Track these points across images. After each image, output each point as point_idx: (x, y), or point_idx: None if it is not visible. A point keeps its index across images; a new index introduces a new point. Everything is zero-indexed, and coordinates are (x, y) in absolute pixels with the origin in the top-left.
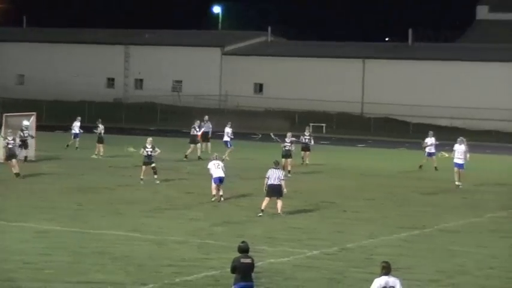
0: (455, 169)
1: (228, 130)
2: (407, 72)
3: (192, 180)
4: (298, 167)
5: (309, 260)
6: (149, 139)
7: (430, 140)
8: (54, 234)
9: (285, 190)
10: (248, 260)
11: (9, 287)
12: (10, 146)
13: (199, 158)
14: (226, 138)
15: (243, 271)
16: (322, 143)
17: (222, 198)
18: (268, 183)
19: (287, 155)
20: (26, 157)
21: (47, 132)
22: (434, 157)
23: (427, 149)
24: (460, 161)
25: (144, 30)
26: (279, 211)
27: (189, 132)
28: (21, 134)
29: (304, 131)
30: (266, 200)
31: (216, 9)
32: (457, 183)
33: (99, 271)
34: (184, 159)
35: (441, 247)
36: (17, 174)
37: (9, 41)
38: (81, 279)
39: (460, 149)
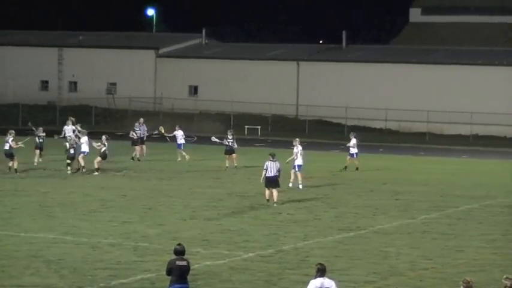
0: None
1: (181, 133)
2: (342, 74)
3: (127, 182)
4: (226, 169)
5: (245, 262)
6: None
7: (353, 141)
8: None
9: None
10: (184, 263)
11: None
12: None
13: (132, 159)
14: (182, 140)
15: (179, 273)
16: (257, 146)
17: (83, 169)
18: (267, 175)
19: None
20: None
21: None
22: (355, 157)
23: (350, 150)
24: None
25: (78, 32)
26: (275, 200)
27: (127, 135)
28: None
29: (227, 134)
30: (267, 190)
31: (150, 11)
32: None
33: (33, 274)
34: (132, 160)
35: (375, 248)
36: None
37: None
38: (15, 283)
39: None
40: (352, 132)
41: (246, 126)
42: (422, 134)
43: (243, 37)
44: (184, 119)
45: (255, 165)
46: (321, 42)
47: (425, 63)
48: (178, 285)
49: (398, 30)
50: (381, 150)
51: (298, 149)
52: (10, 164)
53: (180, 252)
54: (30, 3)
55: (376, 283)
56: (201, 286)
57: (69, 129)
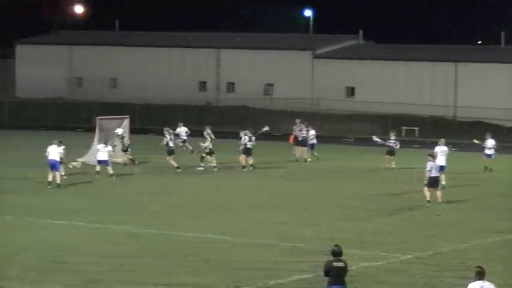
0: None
1: (313, 132)
2: (501, 76)
3: (283, 183)
4: (385, 170)
5: (402, 264)
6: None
7: (491, 142)
8: (144, 237)
9: (443, 182)
10: (341, 264)
11: None
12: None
13: (296, 160)
14: (314, 140)
15: (336, 274)
16: (415, 147)
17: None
18: (431, 175)
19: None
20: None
21: (140, 135)
22: (490, 158)
23: (486, 151)
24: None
25: (235, 34)
26: (439, 200)
27: (289, 135)
28: (122, 141)
29: (389, 135)
30: (428, 190)
31: (307, 12)
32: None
33: (192, 273)
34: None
35: None
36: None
37: (102, 45)
38: (172, 282)
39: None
40: (488, 133)
41: (404, 128)
42: None
43: (398, 38)
44: (341, 120)
45: (412, 167)
46: (479, 42)
47: None
48: (336, 287)
49: None
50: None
51: (440, 148)
52: (172, 161)
53: (337, 253)
54: (187, 5)
55: None
56: (358, 287)
57: (181, 131)
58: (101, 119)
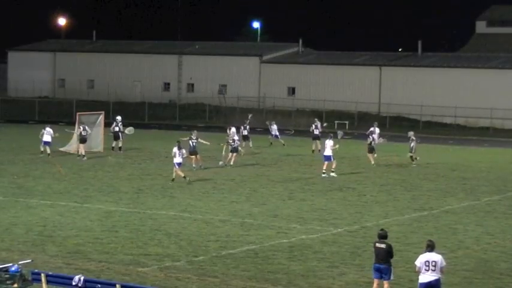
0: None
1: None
2: (417, 78)
3: (234, 169)
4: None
5: (334, 236)
6: (194, 132)
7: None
8: (118, 214)
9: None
10: (382, 245)
11: (79, 257)
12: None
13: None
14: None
15: (376, 254)
16: (345, 138)
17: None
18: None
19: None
20: (120, 147)
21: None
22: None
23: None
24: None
25: (195, 42)
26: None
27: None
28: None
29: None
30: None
31: (256, 24)
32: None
33: (156, 245)
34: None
35: (445, 226)
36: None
37: (83, 52)
38: (141, 252)
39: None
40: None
41: (336, 121)
42: (486, 129)
43: (333, 46)
44: (283, 115)
45: (345, 154)
46: (400, 50)
47: (488, 68)
48: (376, 265)
49: (467, 40)
50: (450, 142)
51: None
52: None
53: (381, 236)
54: (155, 17)
55: (446, 255)
56: (297, 256)
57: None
58: (80, 114)
